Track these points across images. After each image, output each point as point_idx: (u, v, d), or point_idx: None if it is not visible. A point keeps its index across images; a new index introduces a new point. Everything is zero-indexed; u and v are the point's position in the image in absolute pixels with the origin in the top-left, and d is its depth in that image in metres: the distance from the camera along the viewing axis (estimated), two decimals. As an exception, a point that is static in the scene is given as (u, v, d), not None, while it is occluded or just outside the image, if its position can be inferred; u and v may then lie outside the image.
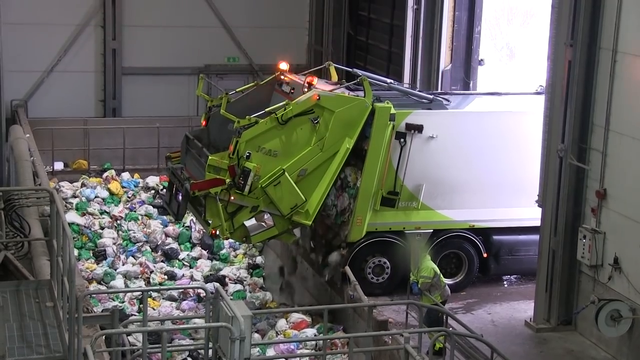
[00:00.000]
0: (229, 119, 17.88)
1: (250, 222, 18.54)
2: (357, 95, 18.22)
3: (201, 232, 23.87)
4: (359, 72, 19.57)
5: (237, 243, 23.66)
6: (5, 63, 25.45)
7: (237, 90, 19.66)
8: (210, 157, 17.64)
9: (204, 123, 19.53)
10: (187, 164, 19.12)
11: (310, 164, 18.00)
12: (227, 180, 17.57)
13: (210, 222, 17.85)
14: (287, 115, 17.72)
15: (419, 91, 20.42)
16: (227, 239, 18.77)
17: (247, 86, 20.01)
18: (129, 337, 13.49)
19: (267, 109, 18.07)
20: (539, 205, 17.31)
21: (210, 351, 12.19)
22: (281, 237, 18.97)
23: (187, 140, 19.42)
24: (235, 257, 23.65)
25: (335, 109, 17.90)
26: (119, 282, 21.79)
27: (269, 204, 17.99)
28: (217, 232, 17.95)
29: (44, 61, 28.61)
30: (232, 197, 17.72)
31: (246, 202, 17.90)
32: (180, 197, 18.32)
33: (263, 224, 18.84)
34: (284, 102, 18.03)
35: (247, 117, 17.69)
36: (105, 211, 24.79)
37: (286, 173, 17.77)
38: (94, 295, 19.89)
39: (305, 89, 18.11)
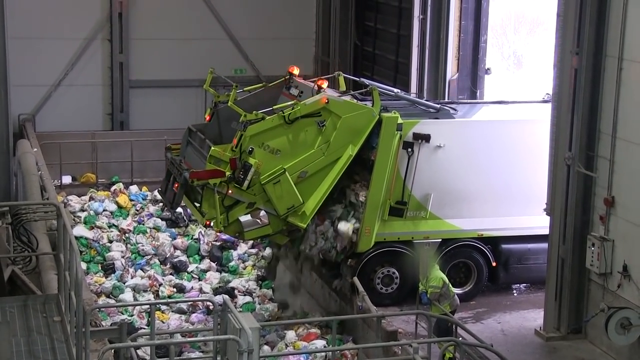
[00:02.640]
0: (236, 113, 17.82)
1: (245, 218, 18.48)
2: (365, 104, 18.22)
3: (210, 245, 23.84)
4: (367, 81, 19.56)
5: (246, 255, 23.65)
6: (13, 77, 25.43)
7: (244, 89, 19.63)
8: (212, 148, 17.62)
9: (207, 118, 19.47)
10: (187, 157, 19.05)
11: (312, 167, 17.97)
12: (227, 173, 17.50)
13: (205, 213, 17.81)
14: (294, 115, 17.72)
15: (426, 100, 20.40)
16: (219, 231, 18.73)
17: (255, 86, 19.93)
18: (137, 350, 13.48)
19: (274, 107, 18.09)
20: (547, 214, 17.26)
21: (218, 364, 12.18)
22: (274, 237, 18.94)
23: (189, 132, 19.36)
24: (244, 269, 23.59)
25: (342, 115, 17.89)
26: (127, 296, 21.73)
27: (266, 201, 17.93)
28: (211, 224, 17.92)
29: (51, 75, 28.67)
30: (230, 191, 17.66)
31: (244, 197, 17.84)
32: (176, 186, 18.27)
33: (258, 221, 18.75)
34: (292, 102, 18.06)
35: (254, 112, 17.69)
36: (114, 224, 24.76)
37: (287, 173, 17.76)
38: (103, 309, 19.87)
39: (315, 92, 18.13)
